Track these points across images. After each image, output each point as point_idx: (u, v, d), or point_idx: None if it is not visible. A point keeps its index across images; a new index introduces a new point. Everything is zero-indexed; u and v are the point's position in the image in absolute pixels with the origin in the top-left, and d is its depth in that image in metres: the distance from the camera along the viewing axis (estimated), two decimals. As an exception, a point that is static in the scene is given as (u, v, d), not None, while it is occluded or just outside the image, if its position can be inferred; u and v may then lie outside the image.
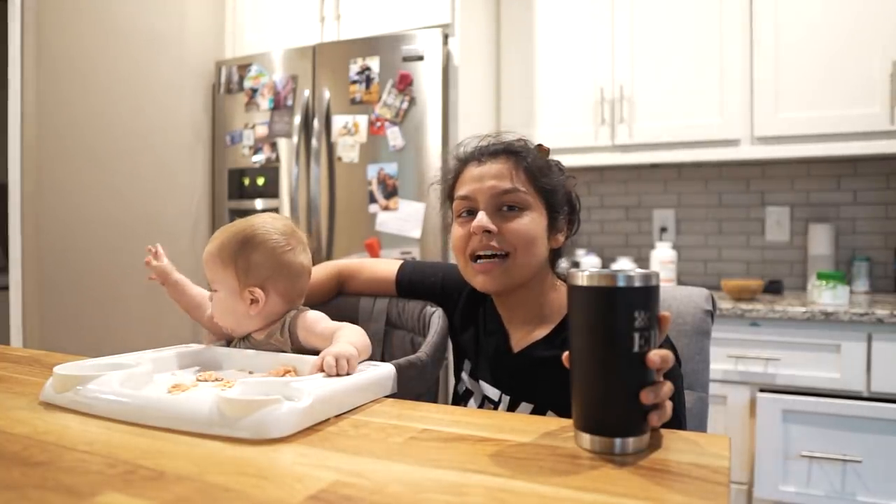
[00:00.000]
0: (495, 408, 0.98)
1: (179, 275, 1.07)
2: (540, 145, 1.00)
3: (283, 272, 0.96)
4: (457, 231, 0.95)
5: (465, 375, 1.06)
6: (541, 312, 0.96)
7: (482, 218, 0.90)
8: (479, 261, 0.92)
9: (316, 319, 0.95)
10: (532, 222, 0.91)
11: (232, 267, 0.94)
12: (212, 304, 0.99)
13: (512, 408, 0.95)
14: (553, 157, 1.00)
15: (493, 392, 0.99)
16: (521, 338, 0.97)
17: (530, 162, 0.93)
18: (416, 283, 1.13)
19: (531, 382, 0.94)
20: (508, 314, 0.99)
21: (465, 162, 0.98)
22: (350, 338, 0.85)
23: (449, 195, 1.01)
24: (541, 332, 0.95)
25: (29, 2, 1.86)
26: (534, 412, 0.92)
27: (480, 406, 1.01)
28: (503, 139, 0.97)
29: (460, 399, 1.06)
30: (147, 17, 2.24)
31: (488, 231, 0.90)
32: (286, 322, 0.96)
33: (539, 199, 0.93)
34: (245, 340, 0.99)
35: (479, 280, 0.93)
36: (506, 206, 0.91)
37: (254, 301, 0.94)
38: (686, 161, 2.28)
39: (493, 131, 1.01)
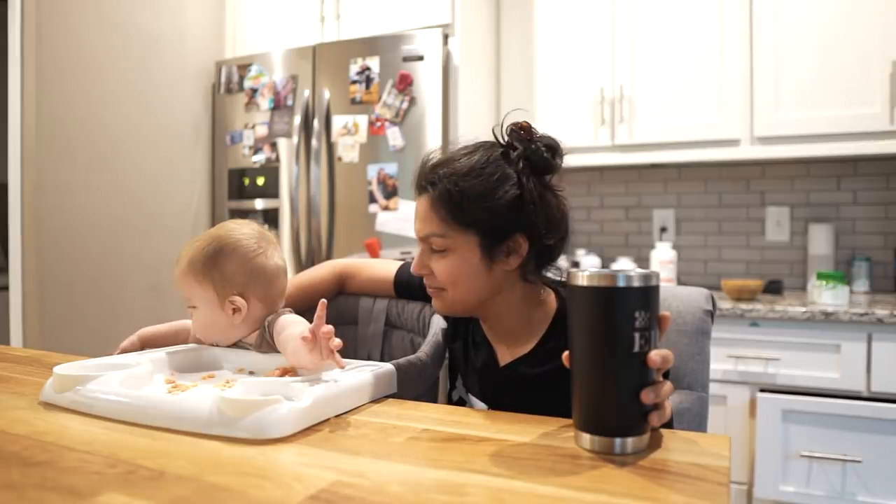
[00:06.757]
0: None
1: (145, 330, 1.06)
2: (516, 124, 0.93)
3: (260, 276, 0.95)
4: None
5: (459, 384, 1.06)
6: (522, 326, 0.95)
7: (413, 263, 0.94)
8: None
9: (283, 325, 0.91)
10: (454, 263, 0.88)
11: (208, 280, 0.93)
12: (192, 321, 0.98)
13: None
14: None
15: (480, 406, 0.99)
16: (506, 351, 0.97)
17: (455, 194, 0.86)
18: (413, 285, 1.12)
19: (515, 398, 0.92)
20: (488, 329, 0.99)
21: None
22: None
23: None
24: (525, 347, 0.94)
25: (29, 2, 1.86)
26: None
27: None
28: (431, 163, 0.91)
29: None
30: (147, 17, 2.24)
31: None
32: (265, 327, 0.94)
33: (465, 234, 0.87)
34: (238, 347, 0.98)
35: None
36: (432, 248, 0.91)
37: (236, 310, 0.93)
38: (686, 161, 2.28)
39: (452, 141, 0.99)
